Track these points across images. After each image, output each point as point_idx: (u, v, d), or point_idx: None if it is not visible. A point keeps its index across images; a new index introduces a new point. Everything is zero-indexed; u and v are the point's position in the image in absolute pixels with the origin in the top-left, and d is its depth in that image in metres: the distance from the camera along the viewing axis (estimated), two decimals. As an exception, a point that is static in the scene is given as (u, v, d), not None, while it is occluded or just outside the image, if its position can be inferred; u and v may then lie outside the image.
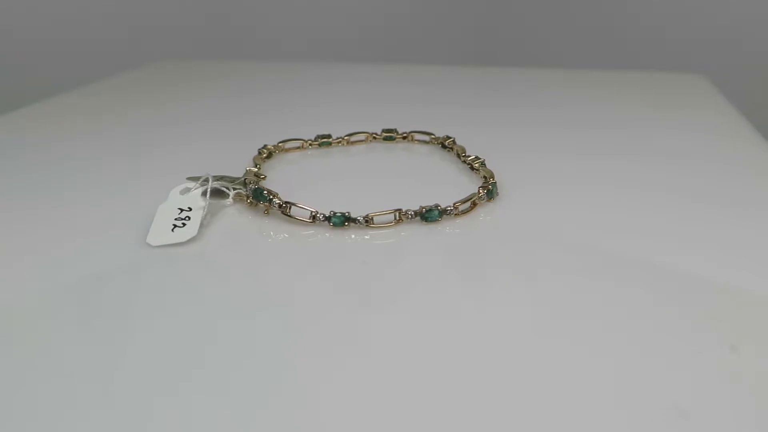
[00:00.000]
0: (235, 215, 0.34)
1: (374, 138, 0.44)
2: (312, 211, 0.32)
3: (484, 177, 0.37)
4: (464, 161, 0.39)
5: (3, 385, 0.22)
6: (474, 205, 0.33)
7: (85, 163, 0.41)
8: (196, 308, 0.26)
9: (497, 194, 0.35)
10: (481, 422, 0.20)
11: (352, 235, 0.32)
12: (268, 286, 0.28)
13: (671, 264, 0.29)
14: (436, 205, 0.32)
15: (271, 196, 0.33)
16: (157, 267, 0.29)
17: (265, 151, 0.40)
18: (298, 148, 0.42)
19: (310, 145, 0.42)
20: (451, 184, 0.37)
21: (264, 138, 0.44)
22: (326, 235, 0.32)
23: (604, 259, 0.29)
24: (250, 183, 0.34)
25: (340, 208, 0.32)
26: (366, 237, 0.32)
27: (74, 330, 0.25)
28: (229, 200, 0.34)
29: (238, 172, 0.38)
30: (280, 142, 0.42)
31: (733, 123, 0.47)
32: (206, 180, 0.34)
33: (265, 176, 0.34)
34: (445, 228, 0.32)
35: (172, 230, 0.31)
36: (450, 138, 0.42)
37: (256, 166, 0.38)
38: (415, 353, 0.23)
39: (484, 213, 0.34)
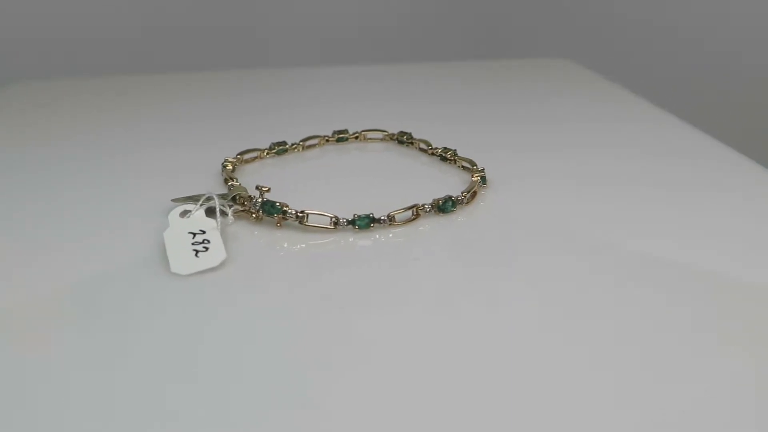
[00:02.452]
0: (243, 232, 0.32)
1: (327, 141, 0.43)
2: (333, 217, 0.32)
3: (463, 166, 0.39)
4: (432, 153, 0.41)
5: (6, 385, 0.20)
6: (475, 193, 0.35)
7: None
8: (249, 329, 0.25)
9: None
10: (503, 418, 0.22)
11: (376, 235, 0.32)
12: (323, 295, 0.27)
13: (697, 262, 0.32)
14: (449, 197, 0.33)
15: (285, 208, 0.32)
16: (188, 295, 0.27)
17: (228, 164, 0.38)
18: (256, 158, 0.41)
19: (267, 154, 0.41)
20: (426, 177, 0.39)
21: (211, 153, 0.42)
22: (350, 239, 0.32)
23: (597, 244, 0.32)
24: (255, 197, 0.33)
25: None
26: (390, 236, 0.32)
27: (81, 331, 0.23)
28: (230, 218, 0.32)
29: (200, 189, 0.36)
30: (239, 154, 0.40)
31: (630, 101, 0.54)
32: (209, 199, 0.32)
33: (269, 188, 0.33)
34: (458, 218, 0.34)
35: (197, 255, 0.29)
36: (406, 133, 0.43)
37: (229, 181, 0.36)
38: (474, 349, 0.25)
39: (483, 201, 0.36)
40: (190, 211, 0.32)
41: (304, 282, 0.28)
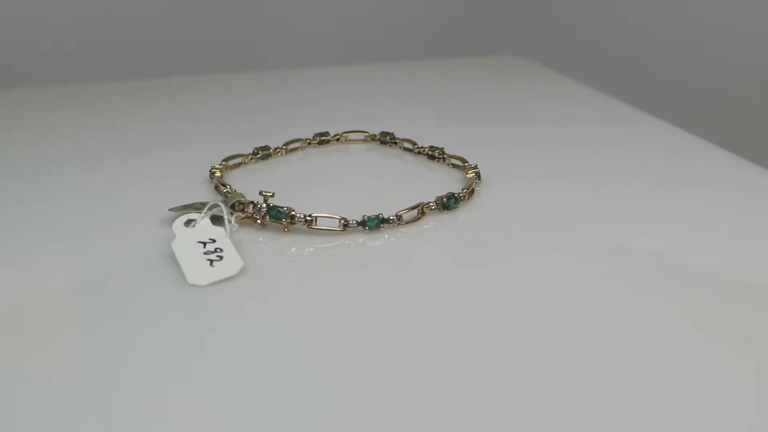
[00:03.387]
0: (248, 239, 0.32)
1: (309, 143, 0.43)
2: (342, 219, 0.32)
3: (453, 164, 0.39)
4: (419, 152, 0.41)
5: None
6: (473, 190, 0.36)
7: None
8: (277, 339, 0.25)
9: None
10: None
11: (385, 236, 0.32)
12: (342, 299, 0.27)
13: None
14: (452, 194, 0.34)
15: (292, 212, 0.32)
16: (205, 306, 0.27)
17: (216, 170, 0.37)
18: (241, 164, 0.40)
19: (251, 159, 0.40)
20: (417, 176, 0.39)
21: (192, 159, 0.40)
22: (359, 240, 0.32)
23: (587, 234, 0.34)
24: (259, 203, 0.32)
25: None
26: (399, 235, 0.32)
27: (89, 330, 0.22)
28: (234, 225, 0.32)
29: (188, 196, 0.35)
30: (224, 160, 0.39)
31: (596, 99, 0.55)
32: (214, 206, 0.31)
33: (273, 194, 0.32)
34: (460, 215, 0.34)
35: (212, 265, 0.28)
36: (389, 133, 0.43)
37: (222, 188, 0.35)
38: (506, 346, 0.25)
39: (479, 197, 0.36)
40: (194, 220, 0.31)
41: (320, 286, 0.28)
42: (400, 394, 0.22)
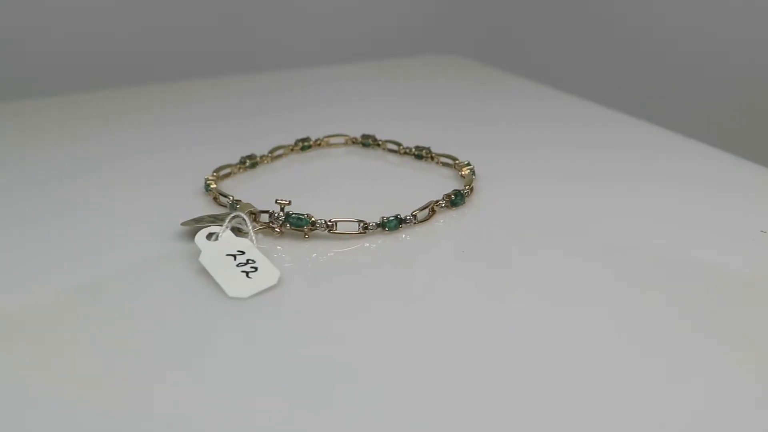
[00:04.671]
0: (268, 248, 0.32)
1: (292, 150, 0.43)
2: (361, 222, 0.32)
3: (443, 162, 0.40)
4: (405, 152, 0.42)
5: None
6: (472, 187, 0.37)
7: None
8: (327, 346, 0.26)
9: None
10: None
11: (403, 235, 0.33)
12: (378, 298, 0.28)
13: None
14: (458, 191, 0.35)
15: (313, 219, 0.32)
16: (244, 319, 0.27)
17: (211, 182, 0.37)
18: (230, 174, 0.40)
19: (239, 168, 0.40)
20: (408, 177, 0.40)
21: (178, 169, 0.40)
22: (379, 242, 0.32)
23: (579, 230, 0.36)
24: (276, 211, 0.32)
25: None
26: (415, 234, 0.33)
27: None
28: (254, 234, 0.32)
29: (184, 207, 0.35)
30: (215, 171, 0.38)
31: (545, 95, 0.58)
32: (235, 217, 0.31)
33: (290, 201, 0.32)
34: (466, 211, 0.35)
35: (248, 276, 0.28)
36: (370, 135, 0.44)
37: (224, 197, 0.35)
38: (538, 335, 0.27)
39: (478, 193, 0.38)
40: (216, 233, 0.31)
41: (352, 288, 0.29)
42: (446, 389, 0.23)
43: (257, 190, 0.38)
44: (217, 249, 0.30)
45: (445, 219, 0.35)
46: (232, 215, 0.31)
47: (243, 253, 0.30)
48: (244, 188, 0.38)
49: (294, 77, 0.62)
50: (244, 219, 0.31)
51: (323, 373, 0.24)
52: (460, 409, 0.22)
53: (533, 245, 0.32)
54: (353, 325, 0.27)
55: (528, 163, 0.42)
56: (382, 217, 0.32)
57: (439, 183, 0.38)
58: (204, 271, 0.29)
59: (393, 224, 0.32)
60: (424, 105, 0.55)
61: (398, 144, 0.43)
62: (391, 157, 0.43)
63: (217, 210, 0.35)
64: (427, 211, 0.34)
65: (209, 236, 0.31)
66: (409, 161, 0.42)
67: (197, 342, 0.25)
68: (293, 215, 0.32)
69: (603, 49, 0.83)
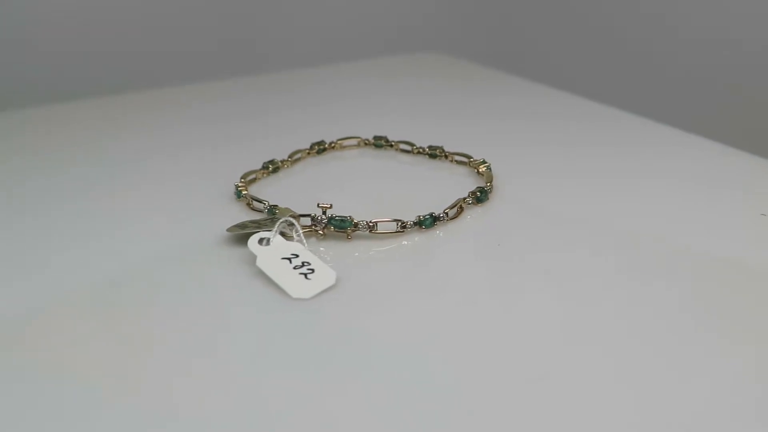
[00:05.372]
0: (314, 248, 0.33)
1: (308, 153, 0.45)
2: (399, 222, 0.34)
3: (457, 160, 0.43)
4: (419, 152, 0.44)
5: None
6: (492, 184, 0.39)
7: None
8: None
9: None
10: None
11: (437, 232, 0.35)
12: (429, 292, 0.31)
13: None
14: (481, 187, 0.37)
15: (355, 221, 0.34)
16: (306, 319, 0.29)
17: (242, 188, 0.38)
18: (255, 179, 0.41)
19: (263, 174, 0.41)
20: (426, 176, 0.42)
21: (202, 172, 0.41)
22: (416, 239, 0.34)
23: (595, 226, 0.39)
24: (318, 215, 0.34)
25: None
26: (449, 230, 0.35)
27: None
28: (297, 237, 0.33)
29: (214, 212, 0.36)
30: (242, 178, 0.40)
31: (530, 88, 0.61)
32: (285, 223, 0.33)
33: (331, 205, 0.34)
34: (491, 206, 0.38)
35: (307, 278, 0.30)
36: (382, 137, 0.46)
37: (259, 203, 0.36)
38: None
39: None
40: (267, 238, 0.32)
41: (401, 283, 0.31)
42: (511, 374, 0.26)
43: (283, 193, 0.39)
44: (272, 253, 0.31)
45: (471, 215, 0.37)
46: (281, 220, 0.33)
47: (297, 256, 0.31)
48: (270, 192, 0.40)
49: (290, 78, 0.63)
50: (293, 223, 0.32)
51: (401, 364, 0.26)
52: (527, 389, 0.25)
53: (559, 238, 0.35)
54: (412, 318, 0.29)
55: (532, 160, 0.44)
56: (419, 216, 0.34)
57: (458, 181, 0.41)
58: (259, 274, 0.31)
59: (429, 222, 0.35)
60: (415, 104, 0.57)
61: (411, 144, 0.45)
62: (404, 157, 0.45)
63: (255, 215, 0.36)
64: (456, 208, 0.36)
65: (261, 241, 0.32)
66: (423, 161, 0.44)
67: (269, 340, 0.27)
68: (337, 218, 0.34)
69: (598, 47, 0.85)
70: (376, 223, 0.34)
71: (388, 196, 0.40)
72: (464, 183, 0.40)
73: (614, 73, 0.84)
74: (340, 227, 0.34)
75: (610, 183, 0.41)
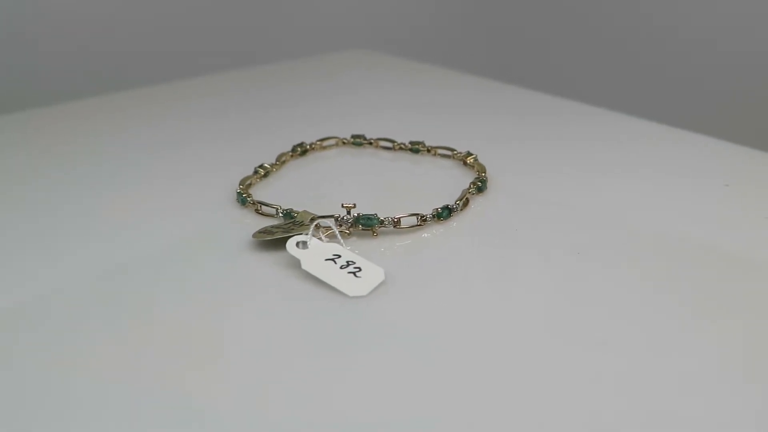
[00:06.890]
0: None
1: (291, 156, 0.45)
2: (420, 215, 0.35)
3: (441, 154, 0.45)
4: (400, 148, 0.46)
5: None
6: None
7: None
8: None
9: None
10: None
11: (453, 223, 0.37)
12: (466, 278, 0.32)
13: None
14: (480, 178, 0.40)
15: (380, 218, 0.35)
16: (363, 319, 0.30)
17: (245, 193, 0.38)
18: (251, 184, 0.41)
19: (257, 178, 0.41)
20: (414, 170, 0.44)
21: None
22: (435, 231, 0.36)
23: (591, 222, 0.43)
24: (343, 215, 0.34)
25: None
26: (462, 220, 0.37)
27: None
28: (325, 239, 0.34)
29: (216, 217, 0.37)
30: (241, 184, 0.40)
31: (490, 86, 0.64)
32: (321, 225, 0.33)
33: (354, 204, 0.35)
34: (489, 195, 0.40)
35: (356, 276, 0.31)
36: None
37: (270, 207, 0.37)
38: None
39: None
40: (305, 241, 0.32)
41: (437, 273, 0.33)
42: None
43: (281, 196, 0.39)
44: (313, 255, 0.32)
45: (476, 204, 0.39)
46: (315, 222, 0.33)
47: (339, 256, 0.32)
48: (265, 195, 0.40)
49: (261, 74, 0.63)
50: (329, 225, 0.33)
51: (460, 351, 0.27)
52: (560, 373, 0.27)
53: (560, 225, 0.37)
54: (458, 306, 0.30)
55: (517, 155, 0.47)
56: (436, 209, 0.36)
57: (448, 173, 0.43)
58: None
59: (446, 214, 0.36)
60: (354, 102, 0.58)
61: (392, 141, 0.46)
62: (385, 153, 0.46)
63: (251, 214, 0.37)
64: (463, 200, 0.38)
65: (299, 244, 0.32)
66: (406, 156, 0.46)
67: (339, 337, 0.28)
68: (364, 216, 0.34)
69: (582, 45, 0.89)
70: (399, 219, 0.35)
71: (385, 192, 0.41)
72: (454, 175, 0.42)
73: (600, 71, 0.89)
74: (368, 225, 0.35)
75: (593, 175, 0.45)
